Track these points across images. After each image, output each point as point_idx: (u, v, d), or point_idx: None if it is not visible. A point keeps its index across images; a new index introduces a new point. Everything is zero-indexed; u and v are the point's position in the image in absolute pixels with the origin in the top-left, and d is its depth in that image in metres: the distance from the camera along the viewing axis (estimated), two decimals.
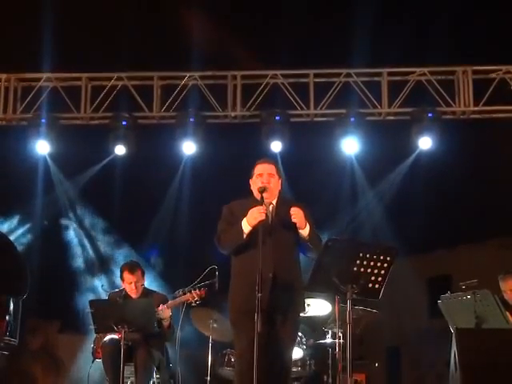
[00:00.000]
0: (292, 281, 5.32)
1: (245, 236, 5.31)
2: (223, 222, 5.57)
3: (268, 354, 5.03)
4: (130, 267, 7.30)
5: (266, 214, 5.30)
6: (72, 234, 12.34)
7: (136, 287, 7.19)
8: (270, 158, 5.99)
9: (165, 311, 6.93)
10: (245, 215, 5.33)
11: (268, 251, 5.16)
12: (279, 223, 5.37)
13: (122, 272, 7.33)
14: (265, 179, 5.50)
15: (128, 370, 6.83)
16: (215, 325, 7.94)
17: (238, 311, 5.34)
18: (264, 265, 5.06)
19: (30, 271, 6.93)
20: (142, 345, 6.85)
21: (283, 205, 5.50)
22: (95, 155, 10.79)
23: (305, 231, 5.34)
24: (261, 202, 5.34)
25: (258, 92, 10.09)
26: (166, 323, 6.98)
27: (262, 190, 5.38)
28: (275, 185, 5.57)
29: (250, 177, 5.66)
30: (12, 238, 9.67)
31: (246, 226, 5.29)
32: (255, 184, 5.55)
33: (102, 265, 12.47)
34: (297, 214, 5.27)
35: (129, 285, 7.22)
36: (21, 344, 7.04)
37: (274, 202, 5.51)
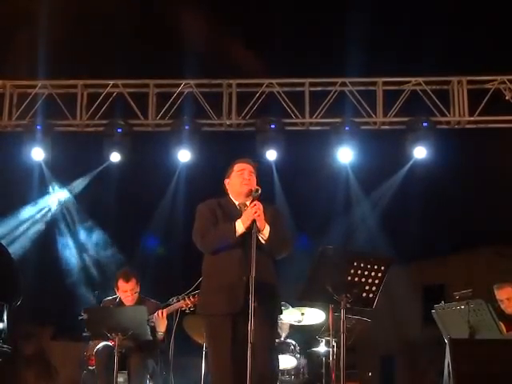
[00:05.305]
0: (267, 283, 5.15)
1: (237, 236, 5.15)
2: (206, 220, 5.35)
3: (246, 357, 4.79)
4: (125, 275, 7.19)
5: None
6: (67, 242, 12.31)
7: (131, 295, 7.12)
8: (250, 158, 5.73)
9: (161, 323, 6.81)
10: (225, 216, 5.20)
11: (243, 253, 5.04)
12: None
13: (116, 280, 7.22)
14: (246, 175, 5.36)
15: (121, 378, 6.79)
16: None
17: (214, 314, 5.18)
18: (239, 267, 5.01)
19: (23, 278, 6.90)
20: (135, 352, 6.79)
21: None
22: (90, 162, 10.80)
23: (264, 233, 5.17)
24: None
25: (253, 100, 10.11)
26: (160, 337, 6.89)
27: (257, 196, 5.23)
28: (254, 185, 5.39)
29: (227, 176, 5.50)
30: (5, 243, 9.64)
31: (240, 227, 5.14)
32: (235, 181, 5.41)
33: (95, 272, 12.44)
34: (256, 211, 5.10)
35: (124, 293, 7.12)
36: (14, 350, 7.00)
37: (248, 203, 5.28)
